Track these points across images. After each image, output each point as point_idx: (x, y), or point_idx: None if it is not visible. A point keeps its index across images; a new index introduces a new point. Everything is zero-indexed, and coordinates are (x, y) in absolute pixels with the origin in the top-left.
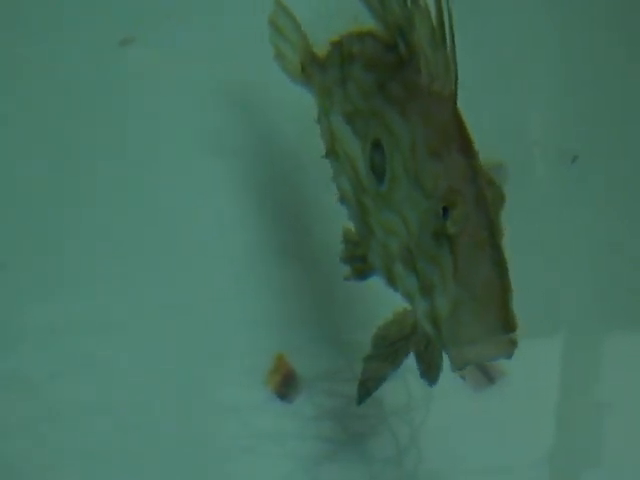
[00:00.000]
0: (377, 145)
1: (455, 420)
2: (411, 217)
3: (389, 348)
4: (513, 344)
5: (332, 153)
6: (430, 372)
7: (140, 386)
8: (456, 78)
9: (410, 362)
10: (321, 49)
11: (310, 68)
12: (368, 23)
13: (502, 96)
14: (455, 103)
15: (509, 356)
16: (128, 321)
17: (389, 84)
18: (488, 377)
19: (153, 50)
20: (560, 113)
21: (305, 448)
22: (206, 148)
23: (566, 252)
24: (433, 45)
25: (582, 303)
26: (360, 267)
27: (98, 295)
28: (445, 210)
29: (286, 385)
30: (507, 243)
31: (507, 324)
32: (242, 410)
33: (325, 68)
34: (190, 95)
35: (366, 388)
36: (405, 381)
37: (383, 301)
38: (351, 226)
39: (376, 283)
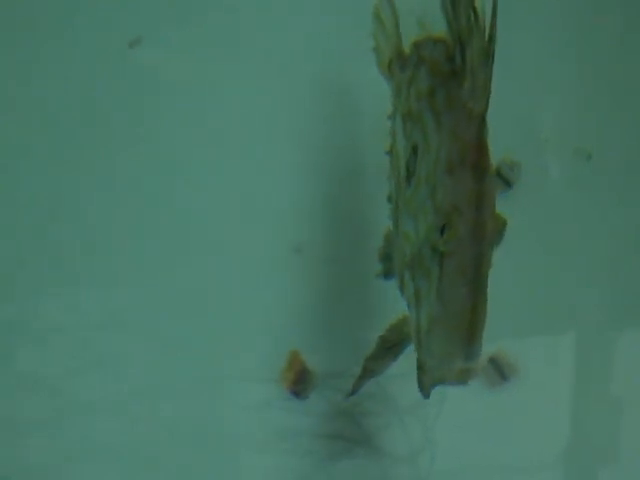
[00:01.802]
0: (415, 149)
1: (469, 418)
2: (421, 226)
3: (387, 351)
4: (469, 373)
5: (390, 152)
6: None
7: (153, 383)
8: (488, 100)
9: None
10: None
11: (394, 65)
12: None
13: (516, 94)
14: (483, 124)
15: (464, 384)
16: (141, 319)
17: (437, 92)
18: (502, 375)
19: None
20: (574, 112)
21: (319, 445)
22: (224, 147)
23: (580, 251)
24: (479, 64)
25: (597, 301)
26: (388, 267)
27: (111, 292)
28: (443, 227)
29: (300, 382)
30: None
31: (467, 353)
32: (256, 407)
33: (404, 67)
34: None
35: (359, 385)
36: None
37: (398, 301)
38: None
39: (393, 283)
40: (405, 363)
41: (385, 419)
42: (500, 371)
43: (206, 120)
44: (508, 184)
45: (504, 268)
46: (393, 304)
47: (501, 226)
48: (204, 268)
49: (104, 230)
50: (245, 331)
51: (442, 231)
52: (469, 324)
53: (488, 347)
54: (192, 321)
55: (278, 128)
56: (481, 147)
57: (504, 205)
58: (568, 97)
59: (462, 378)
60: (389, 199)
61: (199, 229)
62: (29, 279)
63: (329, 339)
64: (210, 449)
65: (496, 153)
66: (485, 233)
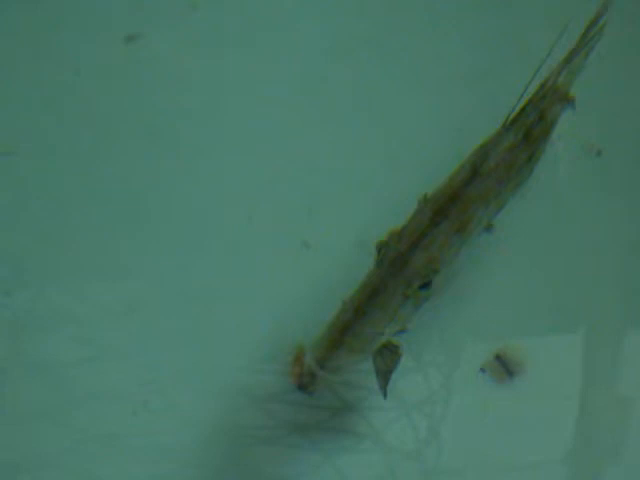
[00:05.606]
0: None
1: (475, 414)
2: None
3: None
4: (311, 379)
5: None
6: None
7: (161, 375)
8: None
9: (430, 356)
10: None
11: (548, 88)
12: None
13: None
14: (474, 181)
15: (302, 389)
16: (150, 311)
17: (493, 141)
18: (509, 372)
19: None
20: (584, 108)
21: (325, 440)
22: (233, 143)
23: (588, 248)
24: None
25: (605, 299)
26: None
27: (121, 284)
28: (382, 242)
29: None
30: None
31: (319, 357)
32: (263, 401)
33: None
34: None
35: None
36: (425, 375)
37: None
38: None
39: None
40: (411, 359)
41: (392, 414)
42: (507, 368)
43: (213, 117)
44: None
45: (511, 264)
46: None
47: (431, 272)
48: (214, 262)
49: (115, 220)
50: (253, 324)
51: (379, 245)
52: (337, 335)
53: (495, 344)
54: (201, 314)
55: (289, 124)
56: (455, 199)
57: (512, 201)
58: (578, 92)
59: (302, 381)
60: None
61: (209, 224)
62: (39, 268)
63: None
64: (217, 441)
65: None
66: (405, 269)
